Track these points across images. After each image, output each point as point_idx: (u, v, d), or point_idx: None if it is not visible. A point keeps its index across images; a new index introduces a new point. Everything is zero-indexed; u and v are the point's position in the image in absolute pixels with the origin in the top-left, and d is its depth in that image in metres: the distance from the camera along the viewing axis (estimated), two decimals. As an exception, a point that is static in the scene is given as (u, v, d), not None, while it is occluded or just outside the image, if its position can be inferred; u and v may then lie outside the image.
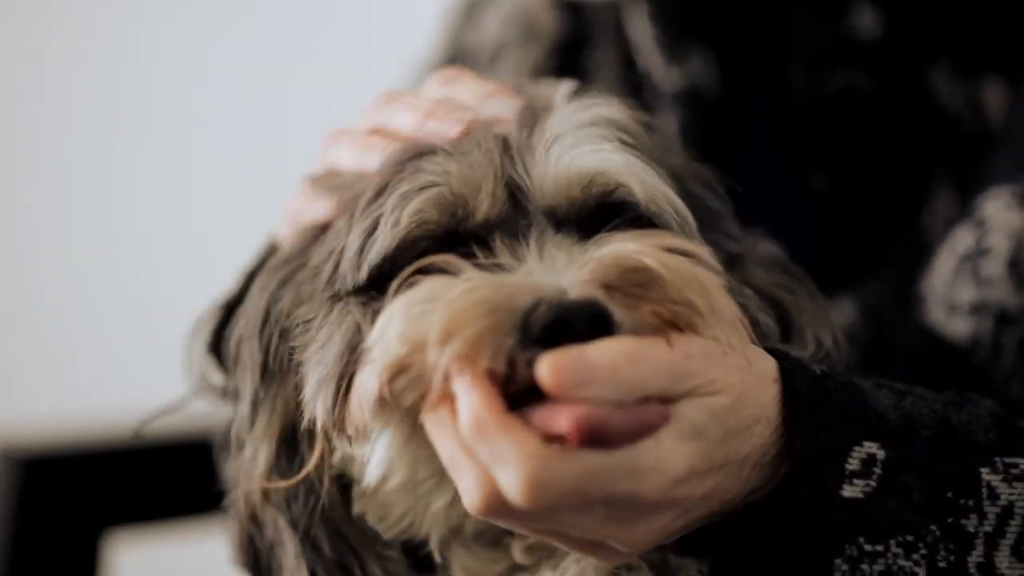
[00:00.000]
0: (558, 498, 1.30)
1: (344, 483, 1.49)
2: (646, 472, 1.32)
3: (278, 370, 1.49)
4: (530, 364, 1.30)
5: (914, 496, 1.39)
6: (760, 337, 1.44)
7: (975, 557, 1.39)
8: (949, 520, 1.40)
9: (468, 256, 1.41)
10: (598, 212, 1.45)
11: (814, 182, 1.87)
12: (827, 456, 1.39)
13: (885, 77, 1.83)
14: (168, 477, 2.19)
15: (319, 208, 1.50)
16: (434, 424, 1.33)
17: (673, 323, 1.33)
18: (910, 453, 1.40)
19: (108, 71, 2.06)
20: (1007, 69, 1.81)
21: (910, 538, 1.39)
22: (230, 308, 1.57)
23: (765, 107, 1.92)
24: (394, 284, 1.38)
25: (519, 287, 1.32)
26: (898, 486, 1.39)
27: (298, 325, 1.47)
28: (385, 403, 1.35)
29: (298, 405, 1.47)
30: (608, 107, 1.48)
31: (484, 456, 1.30)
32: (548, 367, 1.28)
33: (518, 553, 1.48)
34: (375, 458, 1.41)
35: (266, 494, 1.48)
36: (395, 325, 1.33)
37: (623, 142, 1.45)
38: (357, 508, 1.49)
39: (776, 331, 1.50)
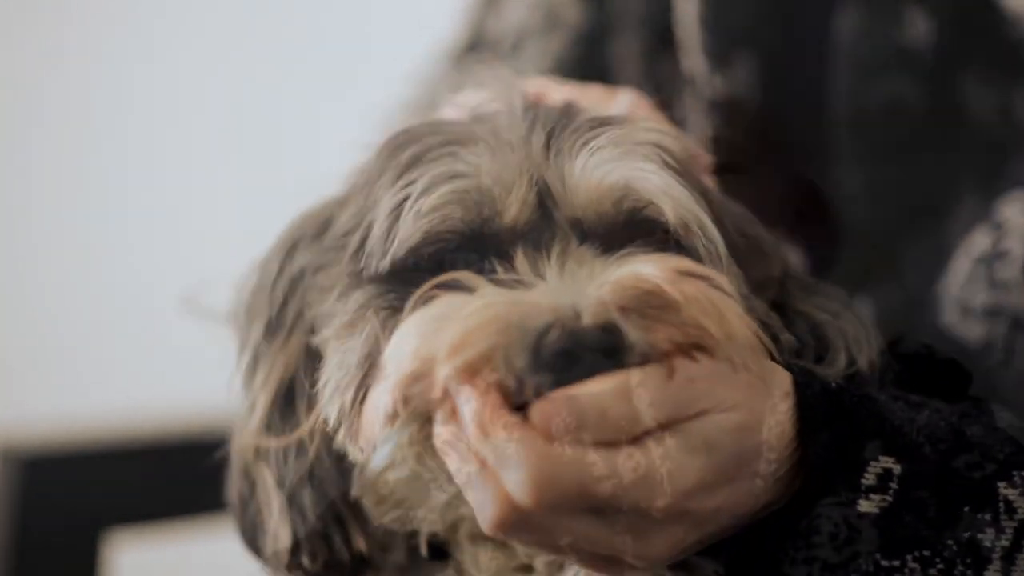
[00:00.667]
0: (564, 496, 1.29)
1: (342, 458, 1.48)
2: (655, 480, 1.31)
3: (285, 325, 1.48)
4: (538, 391, 1.30)
5: (930, 511, 1.38)
6: (780, 353, 1.42)
7: (992, 572, 1.38)
8: (966, 535, 1.38)
9: (489, 261, 1.40)
10: (625, 228, 1.43)
11: (845, 187, 1.85)
12: (842, 470, 1.38)
13: (930, 85, 1.81)
14: (168, 477, 2.18)
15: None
16: (444, 440, 1.32)
17: (687, 347, 1.32)
18: (926, 468, 1.39)
19: (108, 70, 2.05)
20: None
21: (927, 553, 1.37)
22: None
23: (803, 115, 1.90)
24: (411, 300, 1.37)
25: (535, 306, 1.32)
26: (914, 501, 1.38)
27: (316, 291, 1.46)
28: (396, 419, 1.34)
29: (299, 364, 1.47)
30: (659, 133, 1.47)
31: (489, 458, 1.29)
32: (538, 415, 1.28)
33: (521, 551, 1.47)
34: (380, 454, 1.40)
35: (258, 450, 1.47)
36: (409, 342, 1.32)
37: (665, 163, 1.44)
38: (355, 491, 1.48)
39: (811, 349, 1.49)
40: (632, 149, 1.44)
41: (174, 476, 2.16)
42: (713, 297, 1.35)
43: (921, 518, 1.38)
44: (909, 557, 1.37)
